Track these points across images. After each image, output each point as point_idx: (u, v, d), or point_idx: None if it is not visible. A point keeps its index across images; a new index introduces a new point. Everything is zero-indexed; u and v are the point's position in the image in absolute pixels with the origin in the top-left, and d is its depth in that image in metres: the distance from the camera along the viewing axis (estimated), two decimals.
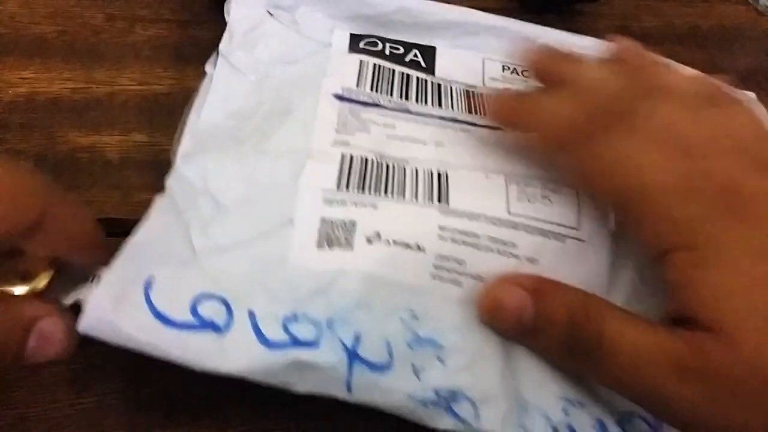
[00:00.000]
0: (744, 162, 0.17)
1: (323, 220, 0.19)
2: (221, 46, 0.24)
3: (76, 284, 0.17)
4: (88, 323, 0.16)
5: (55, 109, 0.24)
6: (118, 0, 0.28)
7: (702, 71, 0.29)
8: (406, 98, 0.24)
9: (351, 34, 0.26)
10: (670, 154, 0.18)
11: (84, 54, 0.26)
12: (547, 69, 0.23)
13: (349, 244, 0.19)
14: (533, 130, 0.21)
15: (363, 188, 0.20)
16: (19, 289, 0.16)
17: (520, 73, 0.27)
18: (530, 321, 0.17)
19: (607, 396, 0.19)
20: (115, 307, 0.16)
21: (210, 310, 0.17)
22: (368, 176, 0.20)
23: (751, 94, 0.30)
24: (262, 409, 0.19)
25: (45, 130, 0.24)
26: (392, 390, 0.17)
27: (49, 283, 0.16)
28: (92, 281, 0.17)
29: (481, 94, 0.25)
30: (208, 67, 0.25)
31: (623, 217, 0.19)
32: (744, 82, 0.32)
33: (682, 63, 0.28)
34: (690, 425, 0.16)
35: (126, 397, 0.19)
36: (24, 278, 0.16)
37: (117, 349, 0.19)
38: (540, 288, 0.18)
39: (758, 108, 0.29)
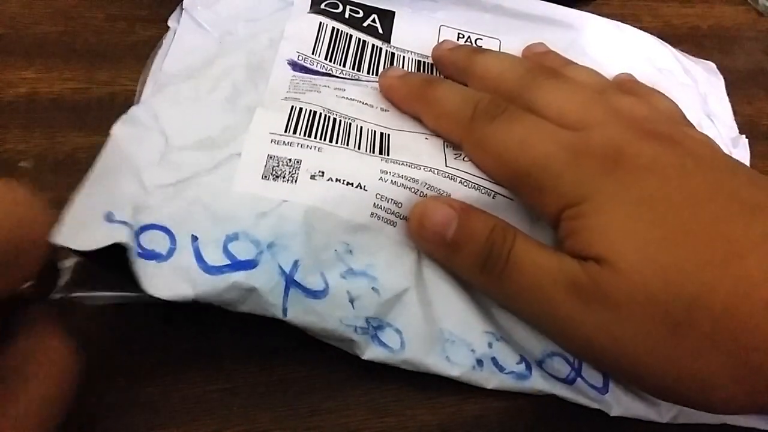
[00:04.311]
0: (630, 132, 0.19)
1: (270, 156, 0.20)
2: (185, 1, 0.25)
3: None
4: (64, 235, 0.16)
5: (56, 109, 0.24)
6: (118, 0, 0.28)
7: None
8: (359, 69, 0.25)
9: None
10: (557, 129, 0.19)
11: (85, 54, 0.26)
12: (446, 59, 0.25)
13: (293, 178, 0.19)
14: (422, 117, 0.23)
15: (310, 134, 0.21)
16: None
17: (473, 42, 0.28)
18: (452, 235, 0.19)
19: (530, 335, 0.20)
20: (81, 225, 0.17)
21: (152, 241, 0.18)
22: (315, 125, 0.21)
23: (711, 64, 0.31)
24: (262, 409, 0.19)
25: (45, 130, 0.24)
26: (325, 315, 0.18)
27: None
28: (62, 275, 0.17)
29: (432, 65, 0.26)
30: (171, 22, 0.25)
31: (518, 195, 0.20)
32: (744, 83, 0.32)
33: None
34: (586, 351, 0.18)
35: (126, 397, 0.19)
36: None
37: (117, 349, 0.20)
38: (466, 208, 0.19)
39: (716, 78, 0.30)
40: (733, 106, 0.30)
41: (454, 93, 0.22)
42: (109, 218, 0.17)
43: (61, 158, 0.23)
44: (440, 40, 0.27)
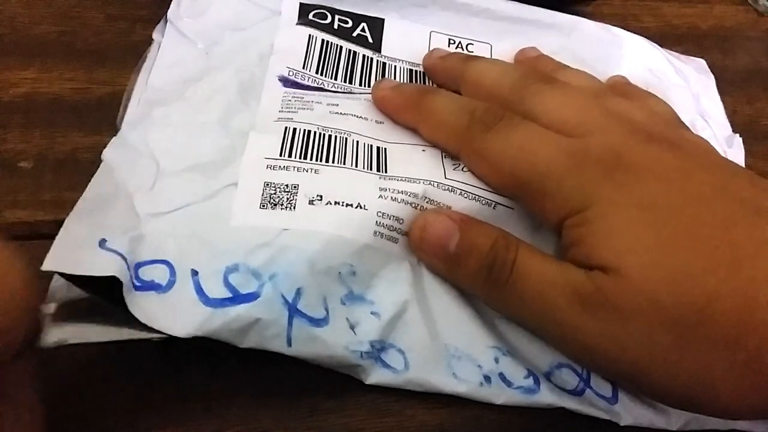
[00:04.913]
0: (629, 136, 0.19)
1: (266, 184, 0.19)
2: (169, 12, 0.25)
3: None
4: (55, 260, 0.16)
5: (56, 109, 0.24)
6: (118, 0, 0.28)
7: None
8: (350, 82, 0.25)
9: (300, 3, 0.26)
10: (555, 135, 0.19)
11: (85, 54, 0.26)
12: (438, 68, 0.25)
13: (291, 205, 0.19)
14: (418, 128, 0.22)
15: (305, 156, 0.20)
16: None
17: (464, 47, 0.27)
18: (454, 247, 0.19)
19: (537, 348, 0.20)
20: (73, 251, 0.17)
21: (151, 274, 0.17)
22: (311, 145, 0.21)
23: (701, 61, 0.31)
24: (261, 409, 0.19)
25: (45, 130, 0.24)
26: (330, 342, 0.18)
27: None
28: (45, 319, 0.16)
29: (424, 73, 0.26)
30: (155, 35, 0.25)
31: (520, 200, 0.20)
32: (744, 83, 0.32)
33: None
34: (592, 359, 0.18)
35: (126, 397, 0.19)
36: None
37: (117, 350, 0.20)
38: (467, 220, 0.19)
39: (706, 76, 0.30)
40: (733, 106, 0.30)
41: (450, 102, 0.22)
42: (103, 245, 0.17)
43: (61, 158, 0.23)
44: (431, 47, 0.27)
